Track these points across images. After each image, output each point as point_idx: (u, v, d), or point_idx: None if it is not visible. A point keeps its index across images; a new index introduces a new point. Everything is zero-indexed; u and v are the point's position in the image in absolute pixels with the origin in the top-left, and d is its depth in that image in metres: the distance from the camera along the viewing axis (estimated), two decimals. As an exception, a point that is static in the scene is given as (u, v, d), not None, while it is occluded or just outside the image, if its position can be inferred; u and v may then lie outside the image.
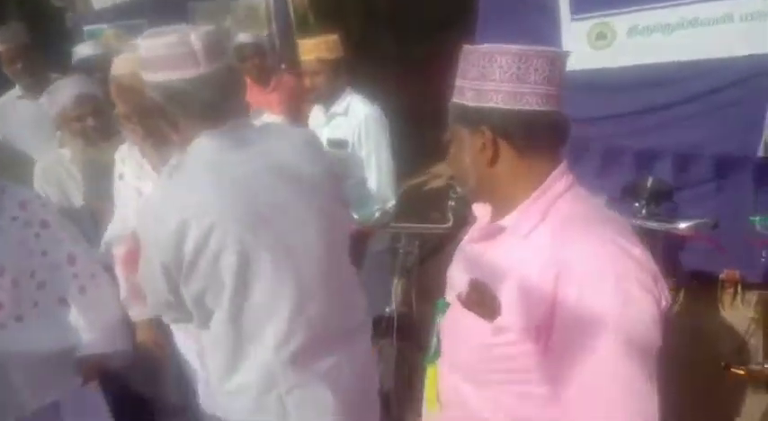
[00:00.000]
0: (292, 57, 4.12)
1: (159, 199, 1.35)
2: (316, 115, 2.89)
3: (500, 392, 1.08)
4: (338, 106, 2.74)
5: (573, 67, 3.19)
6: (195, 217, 1.25)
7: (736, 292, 3.09)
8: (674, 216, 2.64)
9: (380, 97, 2.92)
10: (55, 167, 2.21)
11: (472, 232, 1.23)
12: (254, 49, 3.59)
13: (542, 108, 1.04)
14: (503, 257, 1.08)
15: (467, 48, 1.10)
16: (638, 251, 0.99)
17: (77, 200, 2.15)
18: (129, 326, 1.91)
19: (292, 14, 4.52)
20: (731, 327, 2.91)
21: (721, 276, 3.06)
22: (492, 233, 1.12)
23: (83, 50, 3.06)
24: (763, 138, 2.74)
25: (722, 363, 2.37)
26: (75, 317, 1.79)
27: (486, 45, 1.08)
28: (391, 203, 2.74)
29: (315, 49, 2.68)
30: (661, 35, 2.94)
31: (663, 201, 2.72)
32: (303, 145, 1.48)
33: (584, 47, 3.13)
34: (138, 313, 1.94)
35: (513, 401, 1.07)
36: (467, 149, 1.10)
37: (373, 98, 2.81)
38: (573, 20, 3.08)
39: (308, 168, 1.42)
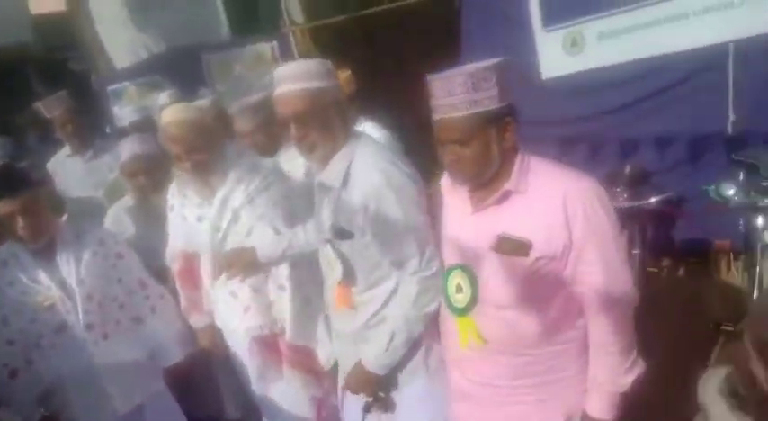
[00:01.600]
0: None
1: (397, 170, 1.70)
2: None
3: (542, 304, 1.49)
4: None
5: (555, 73, 3.57)
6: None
7: (729, 261, 3.36)
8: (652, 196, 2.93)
9: (387, 119, 3.21)
10: (118, 212, 2.63)
11: (460, 207, 1.59)
12: None
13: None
14: (518, 210, 1.48)
15: (482, 68, 1.43)
16: (595, 181, 1.51)
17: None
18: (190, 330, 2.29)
19: (296, 56, 4.97)
20: (725, 294, 3.15)
21: (714, 247, 3.34)
22: (502, 199, 1.50)
23: (125, 116, 3.40)
24: (729, 120, 3.03)
25: (711, 324, 2.62)
26: (149, 332, 2.16)
27: (490, 63, 1.45)
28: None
29: None
30: (627, 36, 3.25)
31: (640, 184, 3.03)
32: None
33: (561, 54, 3.46)
34: (196, 321, 2.32)
35: (550, 305, 1.49)
36: (493, 145, 1.46)
37: (383, 123, 3.07)
38: (545, 31, 3.42)
39: None
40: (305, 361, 2.20)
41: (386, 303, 1.78)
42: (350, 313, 1.85)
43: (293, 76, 1.70)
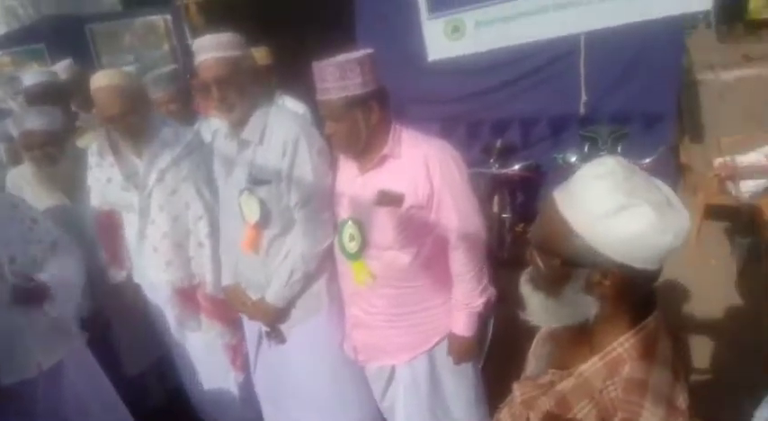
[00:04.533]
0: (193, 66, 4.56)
1: (309, 126, 2.04)
2: None
3: (414, 245, 1.84)
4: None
5: (437, 56, 3.97)
6: None
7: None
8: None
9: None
10: (18, 180, 2.60)
11: (350, 171, 1.91)
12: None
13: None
14: (393, 171, 1.82)
15: (347, 60, 1.72)
16: (451, 146, 1.86)
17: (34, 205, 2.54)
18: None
19: (188, 30, 5.01)
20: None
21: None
22: (381, 162, 1.83)
23: (30, 79, 3.21)
24: (581, 100, 3.61)
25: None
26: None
27: (353, 56, 1.73)
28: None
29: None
30: (500, 24, 3.70)
31: (510, 156, 3.54)
32: None
33: (443, 39, 3.85)
34: (115, 274, 2.44)
35: (421, 245, 1.85)
36: (360, 123, 1.76)
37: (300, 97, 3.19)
38: (429, 18, 3.79)
39: None
40: (222, 312, 2.39)
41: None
42: (259, 261, 2.08)
43: (213, 46, 1.95)
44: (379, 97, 1.78)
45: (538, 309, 1.04)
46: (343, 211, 1.94)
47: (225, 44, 1.96)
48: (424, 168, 1.78)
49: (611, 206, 0.91)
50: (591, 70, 3.61)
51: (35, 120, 2.48)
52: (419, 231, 1.84)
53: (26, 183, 2.57)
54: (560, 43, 3.60)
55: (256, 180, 1.99)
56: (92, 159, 2.38)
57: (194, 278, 2.34)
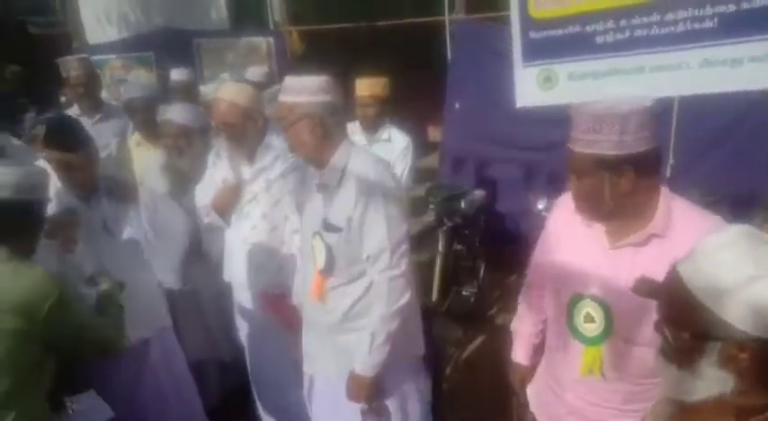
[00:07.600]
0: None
1: (387, 176, 1.91)
2: (359, 139, 3.16)
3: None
4: (381, 134, 3.27)
5: (525, 103, 4.04)
6: None
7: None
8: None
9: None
10: (151, 162, 2.83)
11: (596, 240, 1.55)
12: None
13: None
14: (660, 254, 1.41)
15: (597, 113, 1.48)
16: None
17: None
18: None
19: (289, 54, 5.31)
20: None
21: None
22: (644, 240, 1.47)
23: (133, 91, 3.50)
24: (668, 163, 3.57)
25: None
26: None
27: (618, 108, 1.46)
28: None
29: (370, 87, 3.22)
30: (592, 79, 3.75)
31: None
32: None
33: (534, 88, 3.92)
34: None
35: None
36: (606, 186, 1.43)
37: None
38: (524, 67, 3.87)
39: None
40: (298, 325, 2.48)
41: (359, 300, 1.93)
42: (323, 307, 1.99)
43: (291, 90, 1.89)
44: (635, 164, 1.43)
45: (671, 381, 1.01)
46: (580, 285, 1.60)
47: (304, 89, 1.86)
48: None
49: (740, 278, 0.87)
50: (681, 134, 3.59)
51: (176, 113, 2.73)
52: None
53: (156, 166, 2.81)
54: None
55: (329, 225, 1.90)
56: (211, 159, 2.56)
57: (279, 287, 2.45)
